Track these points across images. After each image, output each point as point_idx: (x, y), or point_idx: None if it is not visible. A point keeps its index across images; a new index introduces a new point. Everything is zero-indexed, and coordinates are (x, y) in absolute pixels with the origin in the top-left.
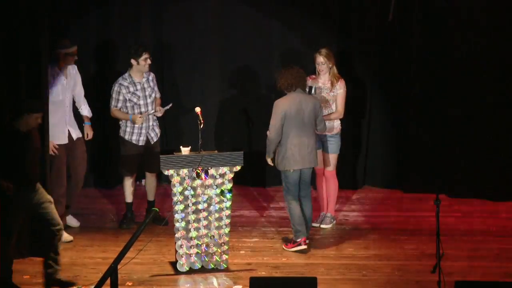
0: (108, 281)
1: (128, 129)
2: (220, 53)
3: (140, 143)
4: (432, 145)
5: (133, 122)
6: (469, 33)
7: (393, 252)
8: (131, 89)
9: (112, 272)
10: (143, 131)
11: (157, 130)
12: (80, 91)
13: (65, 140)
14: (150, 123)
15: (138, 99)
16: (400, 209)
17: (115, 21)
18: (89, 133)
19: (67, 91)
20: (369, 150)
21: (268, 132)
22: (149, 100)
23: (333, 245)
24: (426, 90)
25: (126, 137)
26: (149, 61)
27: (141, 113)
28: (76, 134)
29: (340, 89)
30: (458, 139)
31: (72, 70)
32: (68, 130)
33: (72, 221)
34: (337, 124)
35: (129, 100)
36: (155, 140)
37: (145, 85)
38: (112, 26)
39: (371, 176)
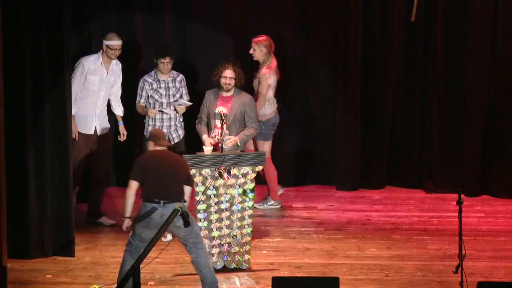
0: (131, 280)
1: (149, 128)
2: (241, 53)
3: None
4: (456, 145)
5: (147, 114)
6: (490, 34)
7: (415, 252)
8: (154, 86)
9: (134, 272)
10: (164, 130)
11: (180, 132)
12: (117, 90)
13: (89, 131)
14: (172, 123)
15: (160, 96)
16: (422, 209)
17: (139, 22)
18: (124, 133)
19: (105, 85)
20: (392, 150)
21: (256, 127)
22: (171, 100)
23: (356, 245)
24: (449, 91)
25: (147, 135)
26: (168, 66)
27: (162, 111)
28: (101, 129)
29: (262, 79)
30: (481, 139)
31: (116, 67)
32: (96, 124)
33: (106, 220)
34: (264, 112)
35: (151, 96)
36: (176, 141)
37: (170, 84)
38: (136, 27)
39: (393, 176)
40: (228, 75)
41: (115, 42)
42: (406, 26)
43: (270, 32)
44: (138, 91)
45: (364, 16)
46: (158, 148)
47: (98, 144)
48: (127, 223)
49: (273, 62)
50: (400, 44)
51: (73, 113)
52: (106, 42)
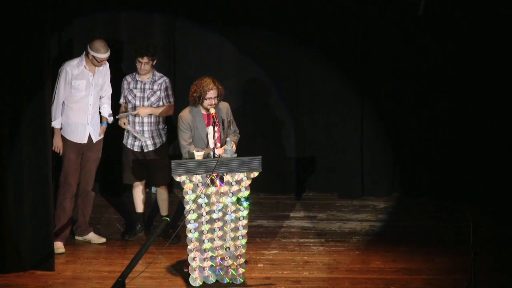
0: None
1: (125, 132)
2: (234, 54)
3: (135, 149)
4: (465, 154)
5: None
6: (492, 35)
7: (423, 265)
8: (131, 86)
9: (119, 287)
10: (147, 135)
11: (157, 140)
12: (107, 89)
13: (82, 140)
14: (145, 128)
15: (134, 97)
16: (431, 220)
17: (126, 23)
18: (101, 133)
19: (93, 88)
20: (398, 159)
21: (238, 133)
22: (146, 102)
23: (359, 258)
24: (459, 99)
25: (124, 140)
26: (145, 66)
27: (133, 115)
28: (95, 137)
29: None
30: (491, 147)
31: (103, 67)
32: (89, 131)
33: (95, 238)
34: None
35: (125, 96)
36: (150, 149)
37: (146, 86)
38: (123, 28)
39: (400, 183)
40: (213, 95)
41: (102, 55)
42: (409, 29)
43: (268, 36)
44: (121, 90)
45: (366, 22)
46: None
47: (91, 153)
48: None
49: None
50: (405, 49)
51: (60, 124)
52: (92, 53)
